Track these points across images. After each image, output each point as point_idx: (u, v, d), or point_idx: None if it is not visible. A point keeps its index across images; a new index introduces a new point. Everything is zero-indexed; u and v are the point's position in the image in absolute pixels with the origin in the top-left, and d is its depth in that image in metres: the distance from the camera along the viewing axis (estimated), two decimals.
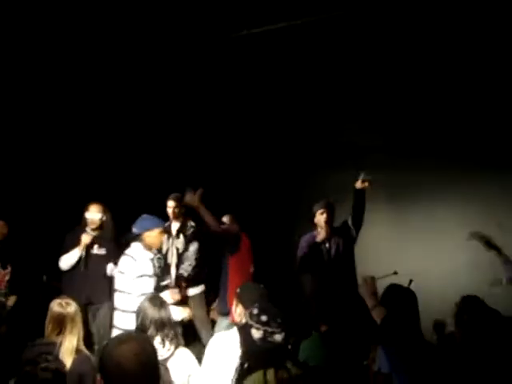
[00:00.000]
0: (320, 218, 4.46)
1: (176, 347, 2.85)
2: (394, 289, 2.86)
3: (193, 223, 5.07)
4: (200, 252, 5.00)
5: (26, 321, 4.13)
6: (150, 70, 5.70)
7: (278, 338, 2.10)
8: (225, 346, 2.68)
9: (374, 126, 5.66)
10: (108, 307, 4.38)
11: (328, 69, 5.53)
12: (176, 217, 5.01)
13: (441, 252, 5.10)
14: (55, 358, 2.65)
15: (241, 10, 4.92)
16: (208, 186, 4.38)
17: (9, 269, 4.56)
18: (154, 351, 1.80)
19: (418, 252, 5.18)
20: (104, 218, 4.59)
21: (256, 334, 2.11)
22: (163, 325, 2.83)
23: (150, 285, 3.86)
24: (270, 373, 1.98)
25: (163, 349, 2.79)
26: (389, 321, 2.59)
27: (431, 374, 2.45)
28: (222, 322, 4.60)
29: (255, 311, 2.19)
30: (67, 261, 4.48)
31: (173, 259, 4.96)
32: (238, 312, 2.78)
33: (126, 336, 1.85)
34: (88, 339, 3.20)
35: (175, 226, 5.06)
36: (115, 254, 4.40)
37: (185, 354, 2.91)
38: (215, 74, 5.77)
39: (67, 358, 2.80)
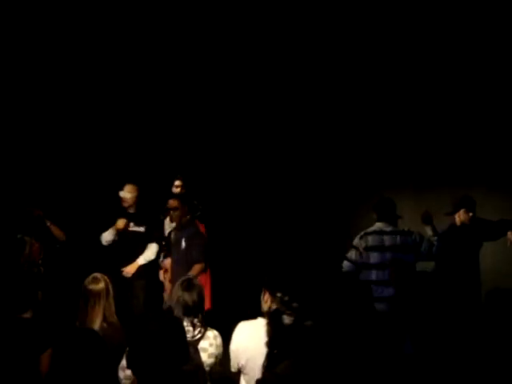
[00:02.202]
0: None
1: (205, 329, 2.87)
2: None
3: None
4: None
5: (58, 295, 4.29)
6: (156, 62, 5.71)
7: (309, 323, 2.05)
8: (251, 333, 2.72)
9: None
10: (144, 283, 4.51)
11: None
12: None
13: None
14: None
15: None
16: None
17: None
18: (182, 330, 1.81)
19: None
20: (136, 197, 4.71)
21: (286, 319, 2.08)
22: (189, 307, 2.85)
23: None
24: (300, 360, 1.93)
25: (193, 330, 2.80)
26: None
27: None
28: None
29: (286, 297, 2.15)
30: (104, 238, 4.68)
31: None
32: (265, 299, 2.77)
33: (155, 314, 1.85)
34: (122, 314, 3.22)
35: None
36: (155, 232, 4.59)
37: (214, 335, 2.95)
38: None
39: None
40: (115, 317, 3.13)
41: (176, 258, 4.64)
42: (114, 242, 4.69)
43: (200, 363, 2.71)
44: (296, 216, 5.96)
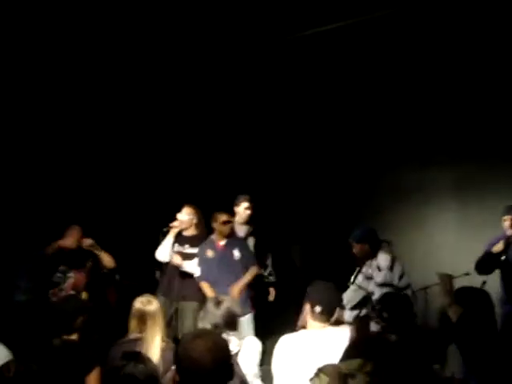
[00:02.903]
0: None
1: (240, 340, 2.88)
2: (467, 289, 2.78)
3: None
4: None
5: (101, 318, 4.28)
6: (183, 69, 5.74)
7: (393, 337, 2.07)
8: (296, 346, 2.71)
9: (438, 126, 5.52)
10: (197, 305, 4.48)
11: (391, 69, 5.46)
12: (247, 219, 4.99)
13: None
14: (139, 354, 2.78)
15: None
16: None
17: (86, 267, 4.68)
18: (227, 348, 1.84)
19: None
20: (195, 220, 4.73)
21: (374, 327, 2.11)
22: (224, 322, 2.84)
23: None
24: (369, 364, 1.94)
25: (231, 345, 2.83)
26: (466, 320, 2.50)
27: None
28: None
29: (378, 306, 2.18)
30: (161, 250, 4.69)
31: None
32: (306, 312, 2.81)
33: (201, 332, 1.90)
34: (174, 335, 3.31)
35: (243, 228, 5.01)
36: None
37: (251, 343, 2.95)
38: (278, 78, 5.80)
39: (151, 354, 2.89)
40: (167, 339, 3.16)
41: (222, 270, 4.65)
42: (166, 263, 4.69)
43: (243, 376, 2.74)
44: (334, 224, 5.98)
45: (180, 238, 4.73)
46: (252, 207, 4.94)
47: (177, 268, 4.64)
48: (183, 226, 4.70)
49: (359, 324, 2.16)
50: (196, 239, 4.74)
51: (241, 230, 4.99)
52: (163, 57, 5.48)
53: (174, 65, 5.61)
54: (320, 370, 1.98)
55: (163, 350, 2.99)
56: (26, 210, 5.10)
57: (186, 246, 4.71)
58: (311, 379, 2.01)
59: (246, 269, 4.66)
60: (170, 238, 4.68)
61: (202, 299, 4.37)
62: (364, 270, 4.49)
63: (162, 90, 5.86)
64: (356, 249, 4.50)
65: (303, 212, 6.04)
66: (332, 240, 5.53)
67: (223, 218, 4.66)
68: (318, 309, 2.74)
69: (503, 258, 4.41)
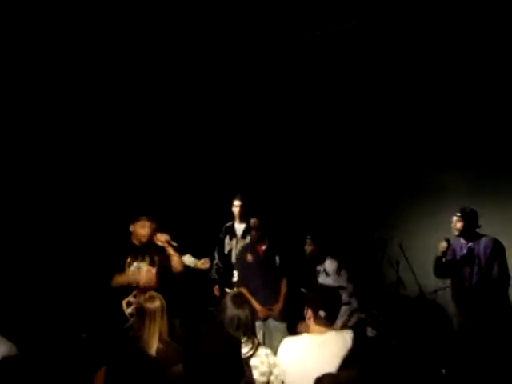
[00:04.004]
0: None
1: (257, 346, 2.84)
2: None
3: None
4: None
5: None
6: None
7: (392, 341, 2.01)
8: (298, 351, 2.71)
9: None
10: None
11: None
12: (242, 217, 5.02)
13: None
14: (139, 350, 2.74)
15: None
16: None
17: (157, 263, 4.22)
18: (238, 346, 1.80)
19: None
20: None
21: (370, 332, 2.06)
22: (240, 323, 2.82)
23: None
24: (367, 374, 1.88)
25: (245, 347, 2.79)
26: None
27: None
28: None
29: (374, 311, 2.14)
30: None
31: None
32: (308, 316, 2.82)
33: (211, 330, 1.86)
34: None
35: (241, 226, 5.07)
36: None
37: (267, 353, 2.90)
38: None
39: (153, 350, 2.89)
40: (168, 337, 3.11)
41: (264, 275, 4.67)
42: None
43: (252, 380, 2.70)
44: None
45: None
46: (242, 205, 5.00)
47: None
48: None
49: (355, 329, 2.10)
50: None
51: (239, 229, 5.07)
52: (162, 54, 5.49)
53: (172, 61, 5.62)
54: (319, 381, 1.97)
55: (161, 350, 2.94)
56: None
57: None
58: None
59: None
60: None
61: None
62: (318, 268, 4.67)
63: (161, 88, 5.85)
64: (310, 247, 4.70)
65: (317, 213, 5.99)
66: (343, 243, 5.47)
67: (251, 224, 4.74)
68: (321, 313, 2.75)
69: (444, 260, 4.43)
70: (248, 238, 4.99)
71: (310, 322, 2.81)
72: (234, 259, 5.01)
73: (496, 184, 5.22)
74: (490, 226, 4.59)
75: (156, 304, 3.06)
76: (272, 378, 2.83)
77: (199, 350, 1.70)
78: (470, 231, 4.47)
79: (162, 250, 4.16)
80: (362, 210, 6.02)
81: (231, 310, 2.85)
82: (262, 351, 2.87)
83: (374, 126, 5.96)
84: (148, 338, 2.97)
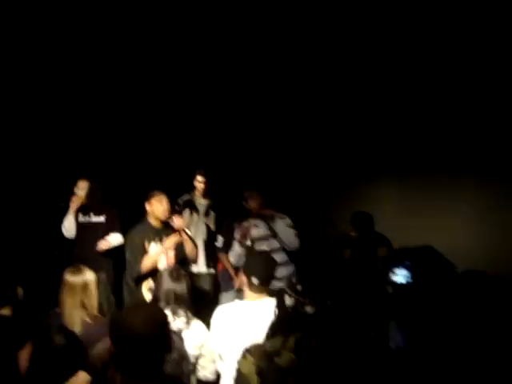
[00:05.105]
0: None
1: (190, 320, 2.85)
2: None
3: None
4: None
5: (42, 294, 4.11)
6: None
7: (310, 309, 2.06)
8: (231, 317, 2.74)
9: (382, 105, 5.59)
10: (107, 276, 4.42)
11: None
12: (205, 193, 4.93)
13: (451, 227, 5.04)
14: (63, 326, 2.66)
15: None
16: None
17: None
18: (164, 320, 1.78)
19: (427, 227, 5.07)
20: (90, 191, 4.63)
21: (287, 301, 2.10)
22: (175, 297, 2.81)
23: None
24: (291, 340, 1.95)
25: (178, 320, 2.79)
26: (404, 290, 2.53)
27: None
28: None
29: (294, 279, 2.17)
30: (67, 228, 4.58)
31: (202, 237, 4.89)
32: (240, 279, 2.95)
33: (138, 304, 1.84)
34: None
35: (203, 202, 4.96)
36: (113, 220, 4.53)
37: (199, 326, 2.92)
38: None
39: (76, 326, 2.80)
40: (97, 311, 3.00)
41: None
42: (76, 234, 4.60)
43: (184, 353, 2.70)
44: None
45: (83, 208, 4.62)
46: (206, 181, 4.90)
47: (82, 240, 4.53)
48: (82, 201, 4.60)
49: (276, 299, 2.15)
50: (98, 206, 4.62)
51: (201, 205, 4.95)
52: (161, 46, 5.43)
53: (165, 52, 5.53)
54: (246, 351, 2.01)
55: (88, 325, 2.85)
56: None
57: (91, 213, 4.62)
58: (239, 361, 2.03)
59: None
60: (71, 214, 4.56)
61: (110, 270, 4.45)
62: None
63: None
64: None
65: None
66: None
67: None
68: (254, 280, 2.76)
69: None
70: (212, 215, 4.92)
71: (245, 288, 2.84)
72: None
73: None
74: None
75: (78, 277, 2.94)
76: (204, 350, 2.86)
77: (124, 324, 1.67)
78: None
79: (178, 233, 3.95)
80: (313, 191, 6.04)
81: (167, 284, 2.84)
82: (195, 324, 2.89)
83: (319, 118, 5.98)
84: (68, 313, 2.87)
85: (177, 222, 3.92)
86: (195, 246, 4.13)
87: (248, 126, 6.10)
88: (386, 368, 2.17)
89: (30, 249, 4.67)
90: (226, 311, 2.83)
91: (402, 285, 2.78)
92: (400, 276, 3.38)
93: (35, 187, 5.33)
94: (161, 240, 3.99)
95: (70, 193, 4.69)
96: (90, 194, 4.62)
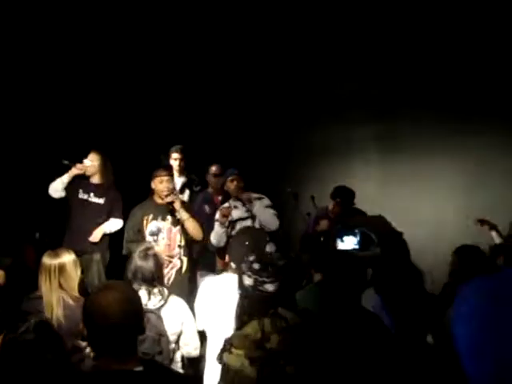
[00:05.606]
0: None
1: (166, 297, 2.86)
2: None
3: (196, 178, 4.98)
4: None
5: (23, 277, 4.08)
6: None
7: (270, 287, 2.04)
8: (216, 290, 2.78)
9: (364, 75, 5.58)
10: (101, 257, 4.37)
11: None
12: (181, 170, 4.89)
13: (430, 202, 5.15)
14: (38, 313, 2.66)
15: None
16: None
17: None
18: (137, 299, 1.78)
19: (408, 202, 5.21)
20: (100, 167, 4.48)
21: (247, 281, 2.08)
22: (144, 275, 2.83)
23: None
24: (266, 322, 1.94)
25: (154, 298, 2.80)
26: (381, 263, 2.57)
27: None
28: None
29: (250, 258, 2.14)
30: (55, 187, 4.42)
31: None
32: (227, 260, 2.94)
33: (109, 284, 1.83)
34: (83, 289, 3.13)
35: (179, 180, 4.89)
36: (114, 204, 4.43)
37: (178, 302, 2.94)
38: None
39: (50, 311, 2.81)
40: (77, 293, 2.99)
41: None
42: (71, 215, 4.45)
43: (163, 330, 2.71)
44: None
45: (85, 185, 4.48)
46: (182, 158, 4.85)
47: (75, 220, 4.41)
48: (84, 171, 4.43)
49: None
50: (101, 188, 4.48)
51: (177, 182, 4.86)
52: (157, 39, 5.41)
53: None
54: (230, 345, 1.93)
55: (68, 307, 2.86)
56: None
57: (91, 194, 4.47)
58: (220, 357, 1.95)
59: None
60: (66, 176, 4.39)
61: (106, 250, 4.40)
62: None
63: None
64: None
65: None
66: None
67: (212, 170, 4.78)
68: (232, 265, 2.83)
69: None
70: (186, 193, 4.87)
71: (229, 267, 2.91)
72: None
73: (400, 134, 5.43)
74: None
75: (54, 260, 2.92)
76: (184, 327, 2.88)
77: (93, 304, 1.66)
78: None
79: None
80: (273, 163, 6.03)
81: (135, 263, 2.86)
82: (173, 301, 2.90)
83: (282, 80, 5.90)
84: (47, 295, 2.87)
85: (167, 199, 3.92)
86: (200, 225, 4.07)
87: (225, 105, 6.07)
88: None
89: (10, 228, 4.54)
90: (211, 283, 2.91)
91: (348, 251, 2.86)
92: (347, 243, 3.45)
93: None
94: (163, 218, 4.05)
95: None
96: (101, 170, 4.47)
